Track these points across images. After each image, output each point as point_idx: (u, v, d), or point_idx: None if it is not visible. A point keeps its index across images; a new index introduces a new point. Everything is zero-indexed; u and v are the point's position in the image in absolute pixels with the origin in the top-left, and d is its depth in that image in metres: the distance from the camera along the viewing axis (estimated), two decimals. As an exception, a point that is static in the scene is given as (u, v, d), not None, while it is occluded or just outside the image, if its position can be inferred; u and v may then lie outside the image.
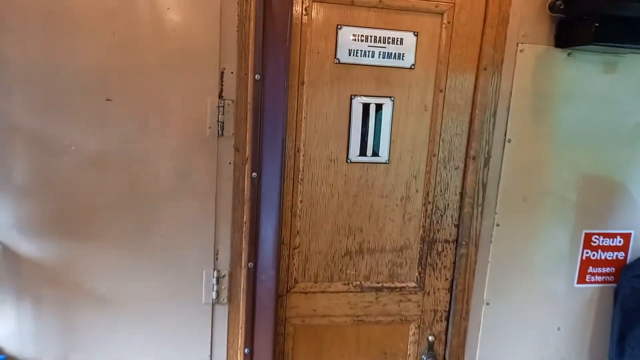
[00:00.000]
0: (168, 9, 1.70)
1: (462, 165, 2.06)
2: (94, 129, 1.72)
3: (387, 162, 2.02)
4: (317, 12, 1.85)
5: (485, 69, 1.96)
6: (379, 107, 1.97)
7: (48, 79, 1.66)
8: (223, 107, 1.80)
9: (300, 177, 1.96)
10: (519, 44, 1.97)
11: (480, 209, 2.09)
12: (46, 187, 1.73)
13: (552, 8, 1.90)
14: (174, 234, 1.86)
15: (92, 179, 1.76)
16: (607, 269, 2.25)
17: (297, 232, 2.01)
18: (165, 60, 1.73)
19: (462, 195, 2.09)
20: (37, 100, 1.67)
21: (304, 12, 1.83)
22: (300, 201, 1.98)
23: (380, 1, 1.86)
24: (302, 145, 1.93)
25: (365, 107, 1.95)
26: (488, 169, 2.06)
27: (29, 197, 1.72)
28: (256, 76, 1.78)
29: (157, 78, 1.73)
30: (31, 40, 1.64)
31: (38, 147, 1.70)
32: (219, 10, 1.74)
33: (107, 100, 1.72)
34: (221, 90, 1.79)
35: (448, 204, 2.09)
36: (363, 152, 1.99)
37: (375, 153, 2.00)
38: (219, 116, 1.80)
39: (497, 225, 2.11)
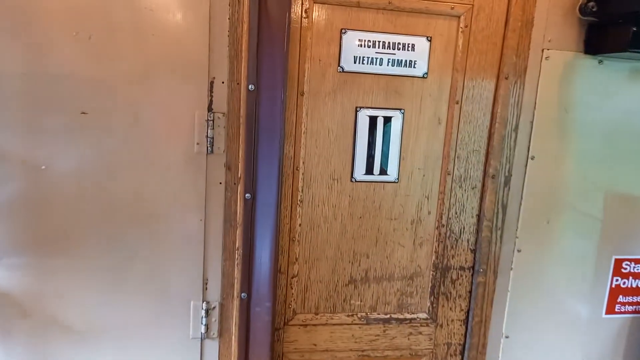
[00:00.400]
0: (151, 10, 1.51)
1: (479, 185, 1.86)
2: (67, 145, 1.53)
3: (396, 181, 1.81)
4: (319, 15, 1.65)
5: (506, 77, 1.75)
6: (387, 120, 1.76)
7: (14, 86, 1.46)
8: (212, 120, 1.60)
9: (299, 198, 1.76)
10: (545, 50, 1.76)
11: (499, 232, 1.88)
12: (15, 209, 1.54)
13: (583, 10, 1.69)
14: (158, 260, 1.67)
15: (66, 200, 1.57)
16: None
17: (296, 259, 1.81)
18: (147, 68, 1.53)
19: (479, 217, 1.88)
20: (1, 113, 1.48)
21: (303, 14, 1.63)
22: (300, 225, 1.78)
23: (389, 2, 1.66)
24: (301, 162, 1.73)
25: (372, 120, 1.75)
26: (509, 188, 1.85)
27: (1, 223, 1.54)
28: (250, 86, 1.58)
29: (137, 89, 1.54)
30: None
31: (4, 166, 1.50)
32: (208, 12, 1.54)
33: (82, 113, 1.52)
34: (210, 102, 1.60)
35: (464, 227, 1.88)
36: (369, 170, 1.79)
37: (383, 171, 1.80)
38: (208, 131, 1.61)
39: (518, 250, 1.90)
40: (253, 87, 1.59)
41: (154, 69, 1.54)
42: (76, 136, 1.53)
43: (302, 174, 1.75)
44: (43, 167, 1.53)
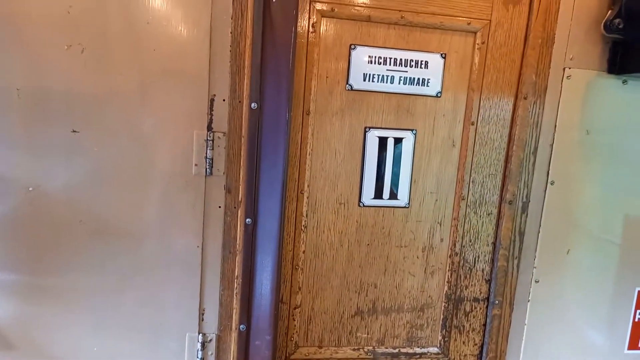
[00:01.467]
0: (148, 23, 1.41)
1: (495, 211, 1.74)
2: (56, 165, 1.43)
3: (407, 205, 1.70)
4: (327, 29, 1.55)
5: (525, 97, 1.65)
6: (398, 141, 1.66)
7: (6, 102, 1.37)
8: (212, 140, 1.50)
9: (303, 223, 1.65)
10: (566, 69, 1.66)
11: (516, 262, 1.76)
12: (2, 232, 1.43)
13: (608, 27, 1.59)
14: (152, 287, 1.56)
15: (54, 222, 1.47)
16: (666, 334, 1.91)
17: (299, 289, 1.69)
18: (144, 84, 1.44)
19: (495, 245, 1.76)
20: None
21: (310, 28, 1.54)
22: (303, 251, 1.67)
23: (401, 17, 1.57)
24: (306, 185, 1.62)
25: (382, 141, 1.65)
26: (526, 215, 1.73)
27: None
28: (252, 104, 1.48)
29: (133, 106, 1.44)
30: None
31: (-11, 187, 1.40)
32: (209, 25, 1.45)
33: (73, 131, 1.42)
34: (210, 121, 1.50)
35: (478, 256, 1.76)
36: (378, 194, 1.67)
37: (393, 195, 1.68)
38: (208, 151, 1.50)
39: (536, 281, 1.78)
40: (256, 105, 1.49)
41: (151, 85, 1.45)
42: (66, 156, 1.43)
43: (307, 197, 1.64)
44: (30, 188, 1.43)
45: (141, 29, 1.41)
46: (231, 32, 1.47)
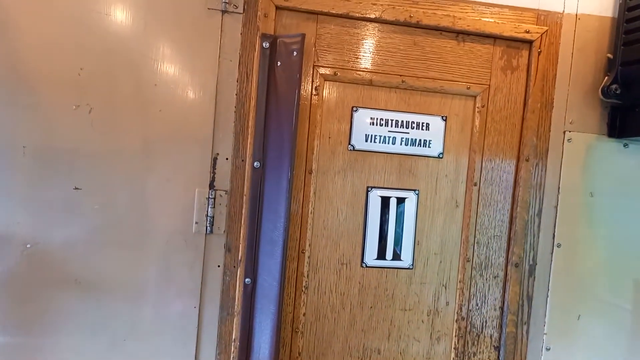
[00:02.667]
0: (155, 85, 1.46)
1: (502, 274, 1.70)
2: (56, 222, 1.42)
3: (411, 267, 1.66)
4: (330, 92, 1.59)
5: (527, 159, 1.65)
6: (400, 201, 1.65)
7: (14, 158, 1.39)
8: (214, 199, 1.50)
9: (304, 284, 1.61)
10: (566, 132, 1.68)
11: (525, 327, 1.69)
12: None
13: (605, 93, 1.62)
14: (147, 350, 1.49)
15: (50, 281, 1.44)
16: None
17: (299, 354, 1.62)
18: (148, 144, 1.46)
19: (502, 310, 1.70)
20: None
21: (314, 91, 1.58)
22: (304, 314, 1.61)
23: (402, 81, 1.61)
24: (307, 245, 1.60)
25: (385, 201, 1.64)
26: (534, 278, 1.69)
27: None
28: (255, 163, 1.49)
29: (136, 164, 1.45)
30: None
31: (-13, 243, 1.39)
32: (215, 87, 1.49)
33: (76, 188, 1.42)
34: (213, 179, 1.50)
35: (486, 321, 1.70)
36: (381, 255, 1.64)
37: (396, 256, 1.65)
38: (209, 209, 1.50)
39: (547, 348, 1.70)
40: (259, 164, 1.50)
41: (155, 144, 1.47)
42: (66, 213, 1.43)
43: (308, 257, 1.61)
44: (28, 245, 1.41)
45: (148, 91, 1.45)
46: (236, 94, 1.50)
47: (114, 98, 1.43)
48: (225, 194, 1.51)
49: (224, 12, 1.49)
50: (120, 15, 1.44)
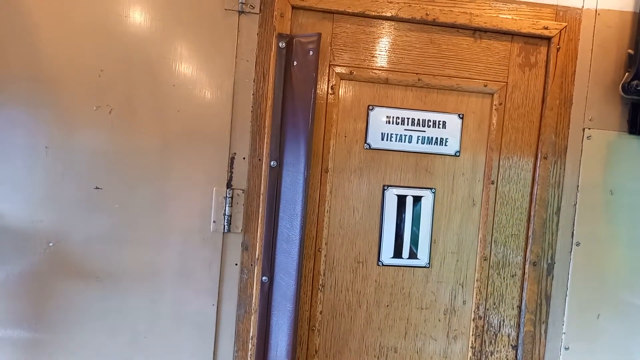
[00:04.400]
0: (173, 85, 1.47)
1: (520, 273, 1.68)
2: (78, 221, 1.45)
3: (428, 265, 1.66)
4: (346, 91, 1.59)
5: (545, 157, 1.64)
6: (417, 199, 1.64)
7: (37, 159, 1.42)
8: (231, 198, 1.51)
9: (320, 282, 1.61)
10: (586, 130, 1.65)
11: (544, 327, 1.68)
12: (16, 284, 1.44)
13: (626, 89, 1.60)
14: (164, 350, 1.51)
15: (72, 279, 1.46)
16: None
17: (316, 351, 1.63)
18: (167, 143, 1.48)
19: (520, 309, 1.69)
20: (18, 182, 1.42)
21: (330, 90, 1.58)
22: (320, 312, 1.62)
23: (418, 79, 1.60)
24: (323, 244, 1.61)
25: (401, 199, 1.64)
26: (552, 277, 1.67)
27: (1, 295, 1.43)
28: (272, 162, 1.50)
29: (155, 164, 1.47)
30: (14, 114, 1.42)
31: (11, 240, 1.42)
32: (232, 88, 1.50)
33: (96, 188, 1.45)
34: (230, 179, 1.52)
35: (504, 320, 1.69)
36: (398, 254, 1.64)
37: (412, 254, 1.65)
38: (226, 208, 1.51)
39: (566, 348, 1.68)
40: (275, 163, 1.51)
41: (173, 144, 1.49)
42: (88, 212, 1.46)
43: (325, 256, 1.62)
44: (50, 244, 1.44)
45: (167, 92, 1.47)
46: (253, 94, 1.52)
47: (133, 99, 1.45)
48: (243, 193, 1.52)
49: (240, 12, 1.50)
50: (138, 17, 1.46)
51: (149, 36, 1.46)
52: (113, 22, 1.44)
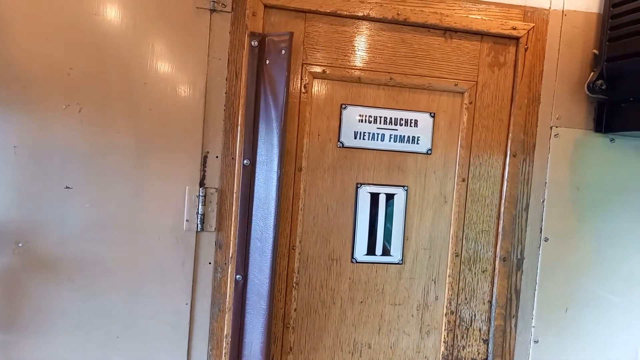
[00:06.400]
0: (145, 83, 1.47)
1: (490, 268, 1.72)
2: (48, 221, 1.43)
3: (401, 262, 1.68)
4: (319, 90, 1.61)
5: (514, 155, 1.67)
6: (390, 197, 1.67)
7: (6, 159, 1.40)
8: (204, 196, 1.51)
9: (295, 280, 1.63)
10: (553, 128, 1.70)
11: (514, 321, 1.72)
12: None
13: (591, 88, 1.64)
14: (141, 347, 1.51)
15: (43, 280, 1.45)
16: (675, 399, 1.82)
17: (290, 349, 1.64)
18: (139, 142, 1.47)
19: (491, 304, 1.72)
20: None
21: (302, 89, 1.59)
22: (295, 310, 1.63)
23: (390, 78, 1.62)
24: (297, 241, 1.62)
25: (374, 197, 1.66)
26: (521, 272, 1.71)
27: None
28: (245, 161, 1.51)
29: (127, 163, 1.47)
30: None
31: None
32: (205, 86, 1.50)
33: (67, 188, 1.44)
34: (203, 177, 1.52)
35: (475, 315, 1.72)
36: (371, 251, 1.66)
37: (386, 251, 1.67)
38: (199, 207, 1.51)
39: (535, 341, 1.73)
40: (248, 162, 1.51)
41: (145, 143, 1.48)
42: (58, 211, 1.44)
43: (299, 253, 1.63)
44: (20, 244, 1.42)
45: (139, 90, 1.46)
46: (226, 93, 1.52)
47: (104, 97, 1.44)
48: (216, 191, 1.53)
49: (212, 11, 1.50)
50: (109, 14, 1.45)
51: (120, 34, 1.45)
52: (83, 20, 1.43)
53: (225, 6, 1.50)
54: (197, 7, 1.49)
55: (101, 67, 1.44)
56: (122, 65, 1.45)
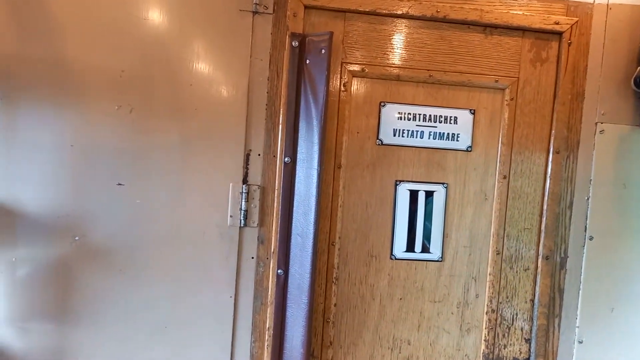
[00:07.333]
0: (191, 85, 1.53)
1: (532, 266, 1.69)
2: (102, 216, 1.51)
3: (440, 259, 1.68)
4: (358, 88, 1.63)
5: (557, 152, 1.65)
6: (429, 194, 1.67)
7: (62, 157, 1.49)
8: (247, 193, 1.56)
9: (334, 275, 1.65)
10: (598, 124, 1.66)
11: (557, 320, 1.69)
12: (42, 275, 1.51)
13: (638, 83, 1.60)
14: (185, 337, 1.57)
15: (96, 271, 1.53)
16: None
17: (330, 343, 1.67)
18: (184, 140, 1.53)
19: (533, 303, 1.70)
20: (45, 179, 1.49)
21: (342, 87, 1.62)
22: (335, 305, 1.66)
23: (430, 76, 1.63)
24: (337, 238, 1.64)
25: (413, 194, 1.66)
26: (565, 271, 1.68)
27: (29, 289, 1.50)
28: (286, 159, 1.55)
29: (174, 160, 1.53)
30: (41, 113, 1.49)
31: (39, 233, 1.49)
32: (247, 86, 1.55)
33: (119, 184, 1.51)
34: (246, 175, 1.57)
35: (517, 314, 1.70)
36: (410, 247, 1.67)
37: (425, 248, 1.68)
38: (242, 203, 1.56)
39: (580, 342, 1.69)
40: (289, 159, 1.55)
41: (191, 141, 1.54)
42: (111, 207, 1.52)
43: (338, 249, 1.65)
44: (76, 237, 1.51)
45: (185, 91, 1.53)
46: (267, 92, 1.56)
47: (152, 98, 1.51)
48: (258, 188, 1.57)
49: (254, 13, 1.54)
50: (157, 19, 1.52)
51: (167, 38, 1.52)
52: (133, 25, 1.50)
53: (267, 8, 1.55)
54: (240, 10, 1.54)
55: (150, 70, 1.51)
56: (169, 67, 1.52)
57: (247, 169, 1.57)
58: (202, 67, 1.54)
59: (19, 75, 1.46)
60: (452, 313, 1.70)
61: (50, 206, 1.49)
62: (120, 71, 1.50)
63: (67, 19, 1.48)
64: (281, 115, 1.56)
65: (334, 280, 1.66)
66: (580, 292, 1.69)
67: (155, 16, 1.51)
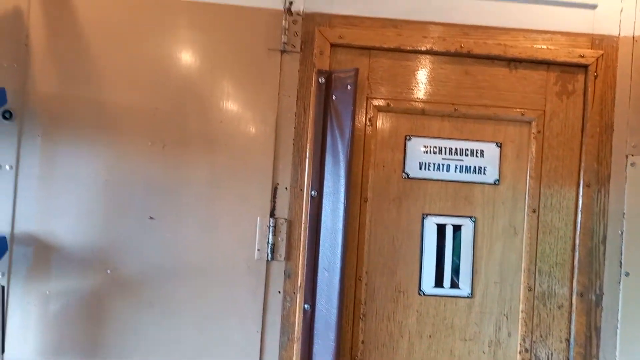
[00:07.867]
0: (221, 122, 1.58)
1: (567, 304, 1.64)
2: (133, 249, 1.54)
3: (470, 295, 1.64)
4: (383, 122, 1.65)
5: (588, 185, 1.62)
6: (457, 228, 1.65)
7: (96, 192, 1.54)
8: (275, 227, 1.57)
9: (361, 311, 1.63)
10: (629, 156, 1.63)
11: (595, 361, 1.61)
12: (74, 309, 1.53)
13: (669, 114, 1.58)
14: (210, 375, 1.55)
15: (127, 305, 1.54)
16: None
17: (358, 382, 1.63)
18: (214, 175, 1.57)
19: (569, 342, 1.63)
20: (80, 213, 1.53)
21: (367, 122, 1.64)
22: (362, 342, 1.63)
23: (455, 109, 1.64)
24: (364, 272, 1.63)
25: (441, 228, 1.65)
26: (601, 309, 1.62)
27: (61, 322, 1.53)
28: (312, 192, 1.56)
29: (203, 195, 1.56)
30: (78, 150, 1.55)
31: (71, 267, 1.53)
32: (275, 121, 1.59)
33: (151, 218, 1.55)
34: (273, 208, 1.58)
35: (552, 354, 1.64)
36: (439, 283, 1.64)
37: (454, 284, 1.64)
38: (270, 237, 1.57)
39: (621, 385, 1.60)
40: (316, 193, 1.56)
41: (220, 175, 1.57)
42: (142, 241, 1.55)
43: (365, 284, 1.64)
44: (108, 271, 1.54)
45: (215, 127, 1.57)
46: (295, 127, 1.60)
47: (184, 134, 1.56)
48: (285, 221, 1.58)
49: (282, 51, 1.60)
50: (189, 59, 1.59)
51: (199, 77, 1.58)
52: (167, 65, 1.57)
53: (295, 47, 1.60)
54: (269, 49, 1.60)
55: (182, 107, 1.57)
56: (200, 105, 1.57)
57: (274, 202, 1.58)
58: (232, 104, 1.59)
59: (59, 114, 1.54)
60: (483, 352, 1.65)
61: (84, 239, 1.53)
62: (153, 109, 1.56)
63: (105, 62, 1.56)
64: (308, 150, 1.58)
65: (361, 316, 1.63)
66: (618, 331, 1.62)
67: (188, 56, 1.58)
